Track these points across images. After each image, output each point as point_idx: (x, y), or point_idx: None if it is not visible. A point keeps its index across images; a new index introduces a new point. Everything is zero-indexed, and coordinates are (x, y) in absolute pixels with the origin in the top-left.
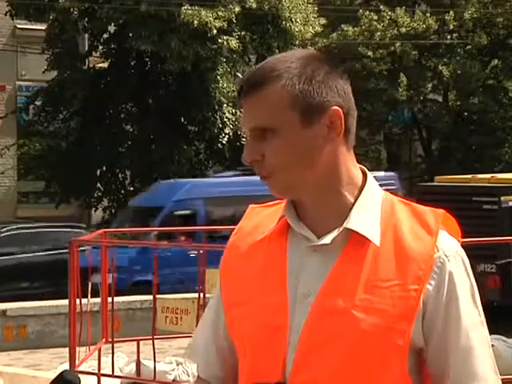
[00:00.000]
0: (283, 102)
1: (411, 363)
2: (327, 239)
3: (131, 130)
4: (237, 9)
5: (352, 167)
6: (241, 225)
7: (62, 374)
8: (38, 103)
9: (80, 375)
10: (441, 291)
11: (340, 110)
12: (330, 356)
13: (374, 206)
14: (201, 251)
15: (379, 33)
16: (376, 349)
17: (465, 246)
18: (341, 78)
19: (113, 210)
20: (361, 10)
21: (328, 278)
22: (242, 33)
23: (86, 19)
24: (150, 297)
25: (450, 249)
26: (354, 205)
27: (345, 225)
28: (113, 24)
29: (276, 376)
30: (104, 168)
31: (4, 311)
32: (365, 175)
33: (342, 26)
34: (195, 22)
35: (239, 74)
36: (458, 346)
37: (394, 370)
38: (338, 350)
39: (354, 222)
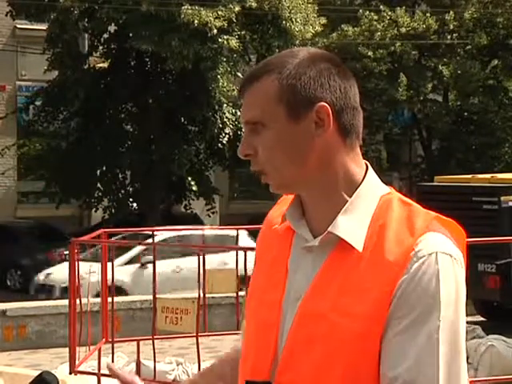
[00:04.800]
0: (271, 95)
1: None
2: (316, 241)
3: (131, 129)
4: (237, 8)
5: (353, 166)
6: (269, 215)
7: (41, 374)
8: (38, 103)
9: (80, 375)
10: (404, 292)
11: (328, 106)
12: (310, 358)
13: (365, 207)
14: (201, 251)
15: (379, 33)
16: (352, 352)
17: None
18: (340, 76)
19: (113, 210)
20: (361, 10)
21: (313, 281)
22: (242, 32)
23: (87, 19)
24: (150, 297)
25: (426, 250)
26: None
27: (329, 228)
28: (113, 24)
29: (264, 375)
30: (104, 168)
31: (4, 311)
32: (366, 173)
33: (342, 26)
34: (195, 21)
35: (239, 74)
36: (402, 347)
37: (367, 374)
38: (318, 352)
39: (339, 225)
